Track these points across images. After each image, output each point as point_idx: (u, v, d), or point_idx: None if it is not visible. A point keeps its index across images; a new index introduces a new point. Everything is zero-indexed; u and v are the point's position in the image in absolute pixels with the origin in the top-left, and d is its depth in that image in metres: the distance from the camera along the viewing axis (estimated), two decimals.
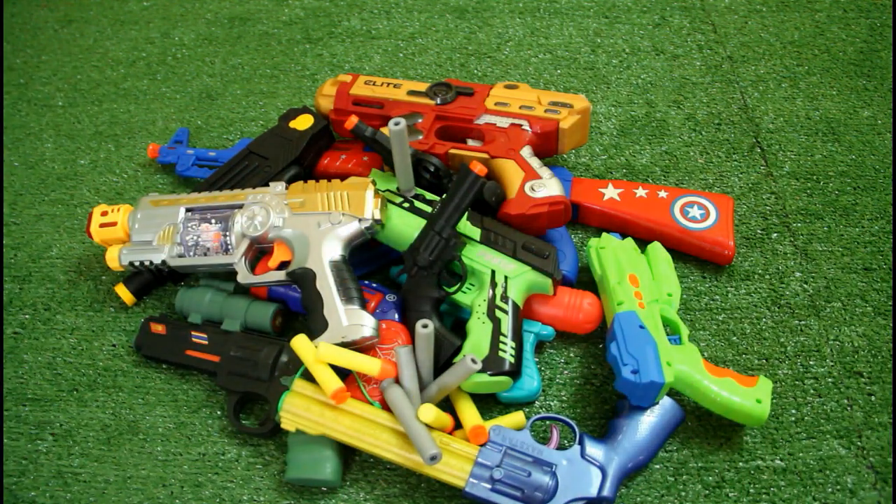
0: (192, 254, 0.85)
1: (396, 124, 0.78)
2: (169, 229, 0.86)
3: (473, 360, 0.71)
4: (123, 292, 0.90)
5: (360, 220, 0.82)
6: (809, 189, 0.99)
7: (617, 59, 1.17)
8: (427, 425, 0.72)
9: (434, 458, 0.68)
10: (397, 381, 0.75)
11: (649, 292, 0.80)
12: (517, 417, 0.78)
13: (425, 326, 0.71)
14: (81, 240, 1.00)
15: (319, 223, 0.82)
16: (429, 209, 0.85)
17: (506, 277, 0.81)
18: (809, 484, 0.75)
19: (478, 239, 0.83)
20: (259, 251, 0.87)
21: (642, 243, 0.90)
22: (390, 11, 1.28)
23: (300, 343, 0.75)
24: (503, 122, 0.91)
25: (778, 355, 0.84)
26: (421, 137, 0.91)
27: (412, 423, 0.70)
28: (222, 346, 0.82)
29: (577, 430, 0.75)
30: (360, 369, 0.73)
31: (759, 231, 0.95)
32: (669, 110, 1.09)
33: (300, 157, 0.94)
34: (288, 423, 0.75)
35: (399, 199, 0.86)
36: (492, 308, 0.79)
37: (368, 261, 0.91)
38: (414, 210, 0.85)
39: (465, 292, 0.82)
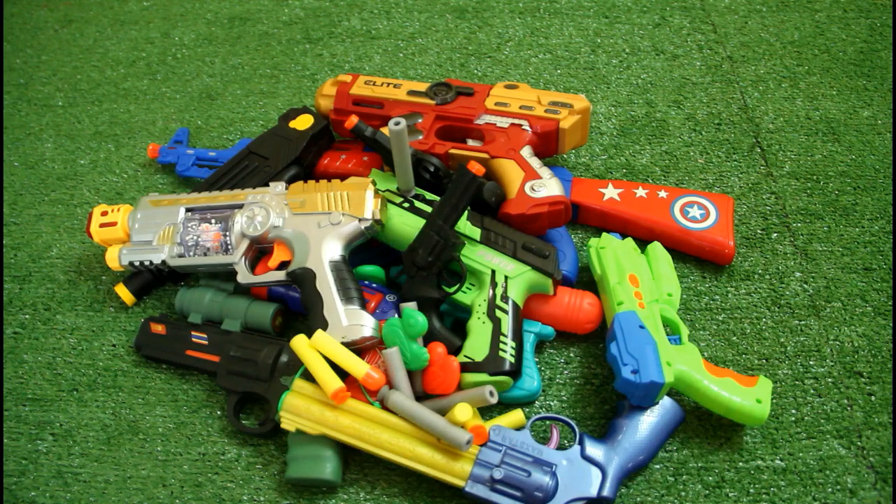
0: (192, 254, 0.85)
1: (396, 124, 0.78)
2: (169, 229, 0.86)
3: (492, 393, 0.73)
4: (123, 292, 0.90)
5: (360, 220, 0.82)
6: (809, 189, 0.99)
7: (617, 59, 1.17)
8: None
9: (469, 442, 0.70)
10: (389, 385, 0.75)
11: (649, 292, 0.80)
12: (517, 417, 0.77)
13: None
14: (81, 240, 1.00)
15: (319, 223, 0.82)
16: (429, 209, 0.85)
17: (506, 277, 0.81)
18: (809, 484, 0.75)
19: (478, 239, 0.83)
20: (259, 251, 0.87)
21: (642, 243, 0.90)
22: (390, 11, 1.28)
23: (300, 343, 0.75)
24: (503, 122, 0.91)
25: (778, 355, 0.84)
26: (421, 137, 0.91)
27: (435, 418, 0.71)
28: (222, 346, 0.82)
29: (577, 430, 0.75)
30: (347, 368, 0.73)
31: (759, 231, 0.95)
32: (669, 110, 1.09)
33: (300, 157, 0.94)
34: (288, 423, 0.75)
35: (399, 199, 0.86)
36: (492, 308, 0.79)
37: (368, 261, 0.91)
38: (414, 210, 0.85)
39: (465, 292, 0.82)
